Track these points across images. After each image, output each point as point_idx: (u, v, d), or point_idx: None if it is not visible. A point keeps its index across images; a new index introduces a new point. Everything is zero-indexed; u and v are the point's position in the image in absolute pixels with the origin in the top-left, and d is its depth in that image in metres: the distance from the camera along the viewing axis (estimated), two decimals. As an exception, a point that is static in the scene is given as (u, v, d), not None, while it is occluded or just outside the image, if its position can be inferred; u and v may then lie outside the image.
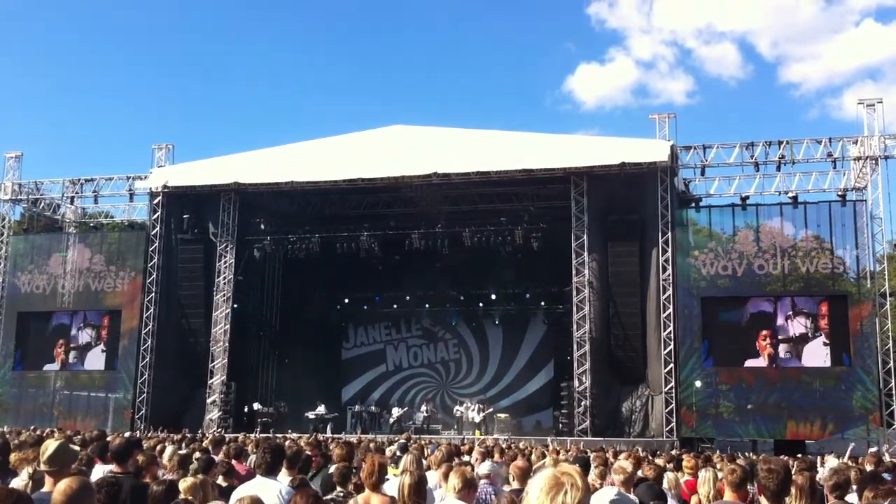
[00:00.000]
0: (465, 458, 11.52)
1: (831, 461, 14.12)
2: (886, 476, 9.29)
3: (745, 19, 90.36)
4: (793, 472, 6.47)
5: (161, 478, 7.61)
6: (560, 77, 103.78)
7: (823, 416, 26.37)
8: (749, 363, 27.36)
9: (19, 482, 6.05)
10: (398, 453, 11.72)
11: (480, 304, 38.21)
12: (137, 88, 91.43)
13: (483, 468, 8.24)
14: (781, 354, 27.16)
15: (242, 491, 6.52)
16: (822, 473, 10.87)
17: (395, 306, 39.43)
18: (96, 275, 32.94)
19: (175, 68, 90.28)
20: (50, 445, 6.20)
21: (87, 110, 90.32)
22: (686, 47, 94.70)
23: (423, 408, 33.38)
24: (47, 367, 32.98)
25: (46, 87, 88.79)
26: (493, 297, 37.66)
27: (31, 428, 21.94)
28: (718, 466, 10.64)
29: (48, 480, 6.03)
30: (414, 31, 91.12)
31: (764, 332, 27.39)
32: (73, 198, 35.08)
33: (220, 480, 8.03)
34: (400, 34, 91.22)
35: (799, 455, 18.40)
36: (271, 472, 6.72)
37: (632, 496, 6.55)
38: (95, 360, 32.64)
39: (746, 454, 21.06)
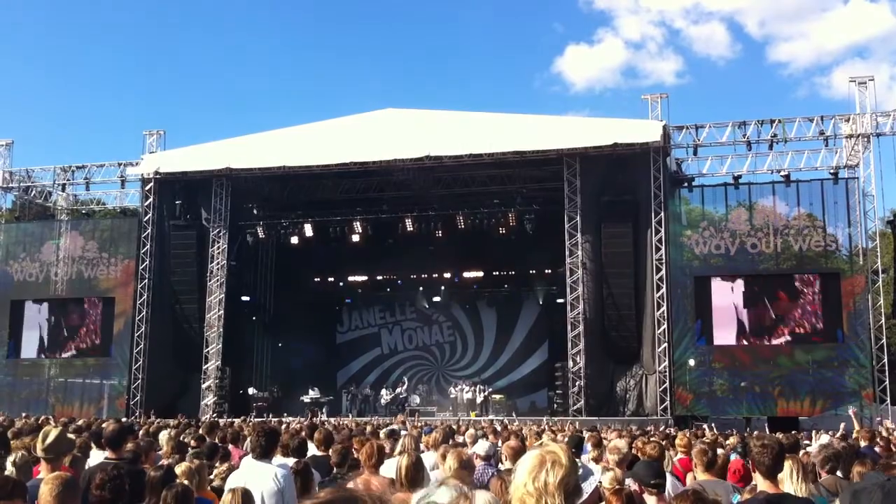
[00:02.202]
0: (461, 439, 11.58)
1: (824, 438, 14.19)
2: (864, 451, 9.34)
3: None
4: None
5: (159, 463, 7.65)
6: (549, 58, 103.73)
7: (816, 393, 26.50)
8: (742, 341, 27.47)
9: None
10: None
11: (475, 287, 38.27)
12: (128, 74, 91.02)
13: (481, 449, 8.28)
14: (775, 332, 27.26)
15: (240, 478, 6.54)
16: (814, 450, 10.95)
17: (388, 290, 39.49)
18: (89, 262, 32.84)
19: (165, 54, 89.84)
20: (49, 433, 6.23)
21: (77, 97, 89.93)
22: (674, 27, 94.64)
23: (398, 390, 33.22)
24: (41, 354, 32.93)
25: (37, 75, 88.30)
26: (487, 279, 37.75)
27: (24, 415, 21.92)
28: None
29: (44, 468, 6.06)
30: (402, 14, 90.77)
31: (757, 311, 27.50)
32: (64, 185, 34.90)
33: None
34: (388, 18, 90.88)
35: (793, 431, 18.50)
36: (265, 455, 6.73)
37: (593, 466, 6.58)
38: (89, 347, 32.59)
39: (742, 431, 21.13)
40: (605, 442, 11.90)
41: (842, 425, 17.31)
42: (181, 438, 10.45)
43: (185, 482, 5.95)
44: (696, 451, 7.02)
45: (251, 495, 5.51)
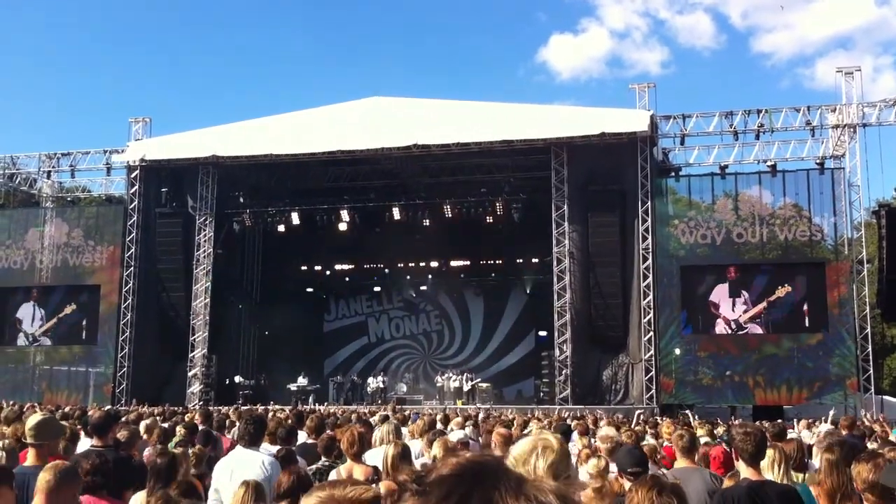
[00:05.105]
0: (450, 427, 11.61)
1: (822, 426, 14.28)
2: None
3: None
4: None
5: (143, 452, 7.63)
6: (533, 48, 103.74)
7: (793, 381, 26.67)
8: (727, 330, 27.60)
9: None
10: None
11: (462, 276, 38.29)
12: (114, 61, 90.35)
13: (455, 437, 8.32)
14: (760, 321, 27.41)
15: (227, 465, 6.55)
16: (805, 436, 11.04)
17: (375, 278, 39.48)
18: (74, 249, 32.66)
19: (152, 41, 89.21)
20: (34, 419, 6.19)
21: (63, 83, 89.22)
22: (659, 18, 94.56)
23: (372, 380, 33.12)
24: (26, 342, 32.77)
25: (21, 61, 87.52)
26: (475, 268, 37.77)
27: (11, 403, 21.80)
28: (699, 433, 10.77)
29: (31, 454, 6.03)
30: (387, 3, 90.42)
31: (742, 300, 27.63)
32: (49, 172, 34.69)
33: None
34: (374, 6, 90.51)
35: (779, 420, 18.61)
36: (254, 443, 6.74)
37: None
38: (75, 335, 32.44)
39: (725, 420, 21.26)
40: (591, 429, 11.97)
41: (831, 412, 17.48)
42: (165, 426, 10.43)
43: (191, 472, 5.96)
44: (675, 436, 7.08)
45: (263, 489, 5.51)
